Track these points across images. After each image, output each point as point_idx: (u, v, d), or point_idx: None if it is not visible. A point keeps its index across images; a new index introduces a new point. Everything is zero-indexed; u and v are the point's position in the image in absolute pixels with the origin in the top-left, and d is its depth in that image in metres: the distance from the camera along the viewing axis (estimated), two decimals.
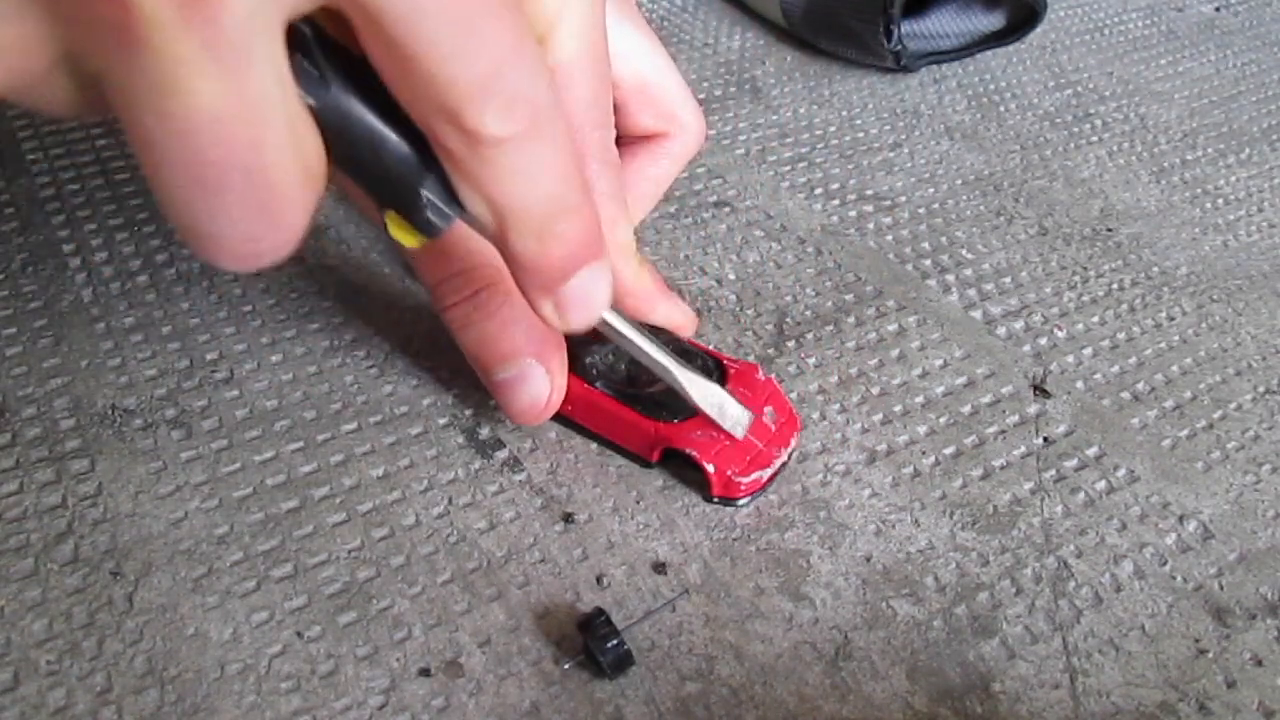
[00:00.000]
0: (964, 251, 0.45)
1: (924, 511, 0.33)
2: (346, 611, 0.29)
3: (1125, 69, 0.61)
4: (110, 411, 0.34)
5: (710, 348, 0.35)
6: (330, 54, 0.21)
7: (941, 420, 0.36)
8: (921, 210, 0.47)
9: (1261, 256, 0.46)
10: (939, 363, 0.39)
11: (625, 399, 0.33)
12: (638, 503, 0.32)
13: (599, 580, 0.30)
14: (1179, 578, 0.31)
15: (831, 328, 0.40)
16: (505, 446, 0.34)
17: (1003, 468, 0.35)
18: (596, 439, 0.34)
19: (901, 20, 0.55)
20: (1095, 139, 0.54)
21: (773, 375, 0.34)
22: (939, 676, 0.28)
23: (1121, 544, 0.32)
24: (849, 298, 0.41)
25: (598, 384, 0.33)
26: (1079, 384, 0.38)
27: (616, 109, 0.31)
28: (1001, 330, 0.40)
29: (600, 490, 0.33)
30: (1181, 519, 0.33)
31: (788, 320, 0.40)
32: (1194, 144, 0.54)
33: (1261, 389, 0.39)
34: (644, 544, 0.31)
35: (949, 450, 0.35)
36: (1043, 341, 0.40)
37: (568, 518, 0.32)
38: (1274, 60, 0.63)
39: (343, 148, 0.22)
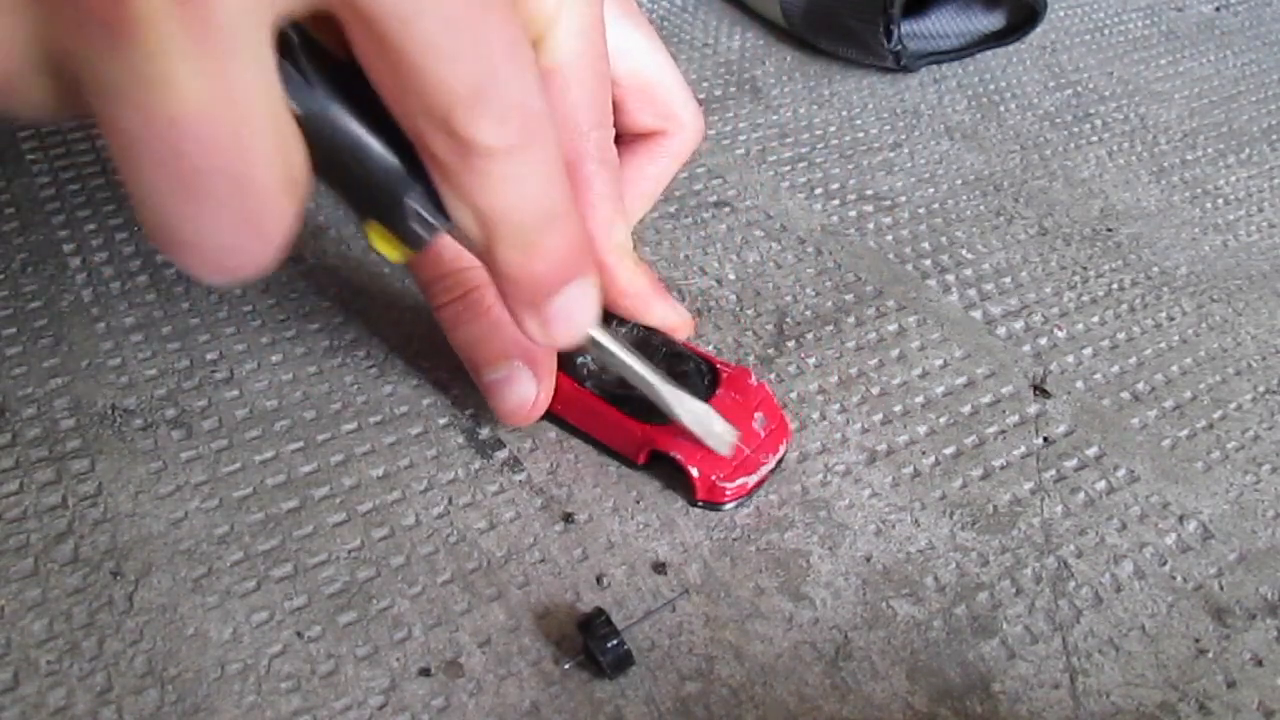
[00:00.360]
0: (964, 251, 0.45)
1: (924, 511, 0.33)
2: (346, 611, 0.29)
3: (1125, 69, 0.61)
4: (110, 411, 0.34)
5: (704, 350, 0.35)
6: (316, 60, 0.21)
7: (941, 420, 0.36)
8: (921, 210, 0.47)
9: (1261, 256, 0.46)
10: (939, 363, 0.39)
11: (614, 400, 0.33)
12: (638, 503, 0.32)
13: (599, 580, 0.30)
14: (1179, 578, 0.31)
15: (831, 328, 0.40)
16: (505, 446, 0.34)
17: (1003, 468, 0.35)
18: (587, 439, 0.34)
19: (901, 20, 0.55)
20: (1095, 139, 0.54)
21: (765, 381, 0.34)
22: (939, 676, 0.28)
23: (1121, 544, 0.32)
24: (849, 298, 0.41)
25: (588, 384, 0.33)
26: (1079, 384, 0.38)
27: (615, 107, 0.31)
28: (1001, 330, 0.40)
29: (600, 490, 0.33)
30: (1181, 519, 0.33)
31: (788, 320, 0.40)
32: (1194, 144, 0.54)
33: (1261, 389, 0.39)
34: (644, 544, 0.31)
35: (949, 450, 0.35)
36: (1043, 341, 0.40)
37: (568, 518, 0.32)
38: (1274, 60, 0.63)
39: (326, 156, 0.21)
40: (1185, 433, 0.36)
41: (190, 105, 0.18)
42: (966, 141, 0.53)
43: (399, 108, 0.21)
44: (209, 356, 0.36)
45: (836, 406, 0.36)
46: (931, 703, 0.28)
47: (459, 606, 0.29)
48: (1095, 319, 0.41)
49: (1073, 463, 0.35)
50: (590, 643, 0.27)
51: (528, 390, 0.32)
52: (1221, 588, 0.31)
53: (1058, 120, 0.55)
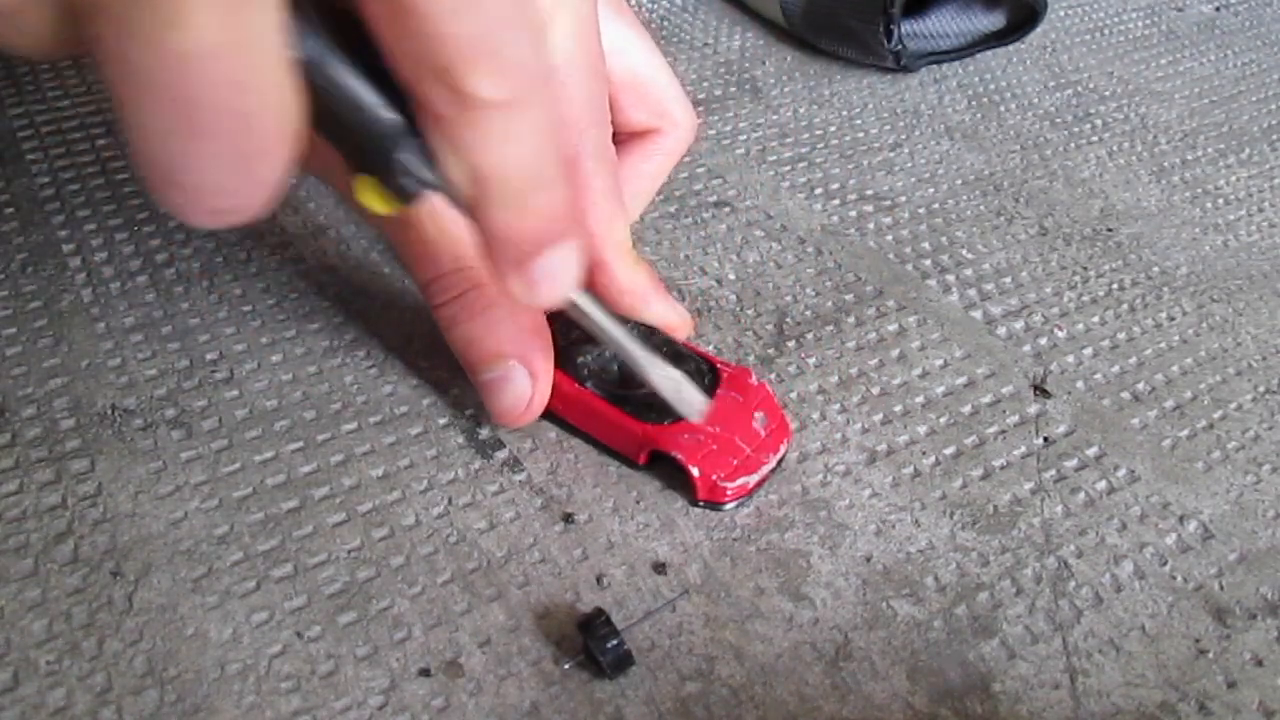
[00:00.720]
0: (964, 251, 0.45)
1: (924, 511, 0.33)
2: (346, 611, 0.29)
3: (1125, 69, 0.61)
4: (110, 411, 0.34)
5: (704, 350, 0.35)
6: (319, 8, 0.21)
7: (942, 420, 0.36)
8: (921, 210, 0.47)
9: (1261, 256, 0.46)
10: (939, 363, 0.39)
11: (615, 399, 0.33)
12: (638, 503, 0.32)
13: (599, 580, 0.30)
14: (1179, 578, 0.31)
15: (831, 328, 0.40)
16: (505, 446, 0.34)
17: (1003, 468, 0.35)
18: (587, 439, 0.34)
19: (901, 20, 0.55)
20: (1095, 139, 0.54)
21: (765, 381, 0.34)
22: (939, 676, 0.28)
23: (1121, 544, 0.32)
24: (849, 298, 0.41)
25: (588, 384, 0.33)
26: (1079, 384, 0.38)
27: (610, 106, 0.31)
28: (1002, 330, 0.40)
29: (600, 490, 0.33)
30: (1182, 519, 0.33)
31: (788, 320, 0.40)
32: (1194, 144, 0.54)
33: (1261, 389, 0.39)
34: (644, 544, 0.31)
35: (949, 450, 0.35)
36: (1043, 341, 0.40)
37: (568, 518, 0.32)
38: (1274, 60, 0.63)
39: (324, 104, 0.22)
40: (1185, 433, 0.36)
41: (204, 42, 0.18)
42: (966, 141, 0.53)
43: (399, 58, 0.21)
44: (209, 356, 0.36)
45: (837, 406, 0.36)
46: (932, 703, 0.28)
47: (459, 607, 0.29)
48: (1095, 319, 0.41)
49: (1073, 463, 0.35)
50: (590, 643, 0.27)
51: (523, 390, 0.32)
52: (1222, 588, 0.31)
53: (1058, 120, 0.55)
